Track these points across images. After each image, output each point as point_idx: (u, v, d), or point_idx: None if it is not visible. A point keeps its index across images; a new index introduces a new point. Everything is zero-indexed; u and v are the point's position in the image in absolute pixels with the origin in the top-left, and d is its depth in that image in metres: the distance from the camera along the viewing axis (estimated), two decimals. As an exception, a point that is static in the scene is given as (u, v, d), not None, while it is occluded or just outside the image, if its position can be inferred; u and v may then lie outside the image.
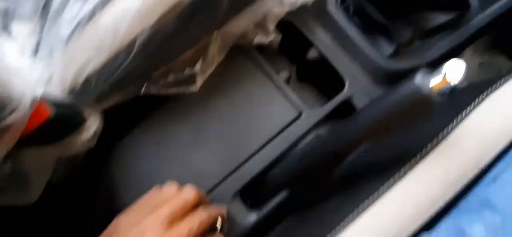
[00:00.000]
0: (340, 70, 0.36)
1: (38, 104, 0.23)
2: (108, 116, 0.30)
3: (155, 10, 0.25)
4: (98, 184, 0.34)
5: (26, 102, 0.21)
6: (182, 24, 0.27)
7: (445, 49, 0.36)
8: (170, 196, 0.26)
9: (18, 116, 0.21)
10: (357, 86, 0.36)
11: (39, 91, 0.23)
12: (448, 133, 0.21)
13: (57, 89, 0.26)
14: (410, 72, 0.19)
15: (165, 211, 0.25)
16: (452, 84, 0.16)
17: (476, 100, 0.21)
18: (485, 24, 0.35)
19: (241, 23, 0.32)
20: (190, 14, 0.26)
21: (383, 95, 0.20)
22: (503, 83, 0.21)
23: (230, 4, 0.28)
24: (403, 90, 0.18)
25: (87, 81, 0.26)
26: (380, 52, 0.36)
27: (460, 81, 0.16)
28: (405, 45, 0.39)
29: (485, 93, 0.21)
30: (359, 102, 0.35)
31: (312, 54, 0.38)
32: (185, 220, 0.25)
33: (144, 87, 0.31)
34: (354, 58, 0.36)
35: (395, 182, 0.22)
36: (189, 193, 0.27)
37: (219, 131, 0.34)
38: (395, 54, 0.38)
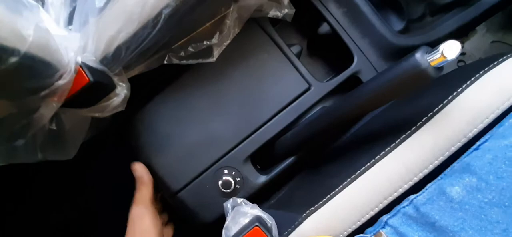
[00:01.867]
0: (350, 45, 0.37)
1: (79, 70, 0.26)
2: (134, 84, 0.33)
3: (179, -16, 0.26)
4: (125, 144, 0.38)
5: (71, 68, 0.24)
6: (202, -2, 0.28)
7: (455, 26, 0.37)
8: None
9: (65, 81, 0.24)
10: (365, 62, 0.37)
11: (79, 59, 0.26)
12: (443, 107, 0.24)
13: (91, 58, 0.28)
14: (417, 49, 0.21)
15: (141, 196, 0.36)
16: (447, 59, 0.18)
17: (472, 79, 0.23)
18: (497, 2, 0.35)
19: (257, -3, 0.33)
20: (210, -12, 0.28)
21: (387, 69, 0.22)
22: (497, 64, 0.23)
23: (247, -22, 0.30)
24: (405, 64, 0.20)
25: (118, 50, 0.29)
26: (390, 28, 0.37)
27: (454, 58, 0.18)
28: (416, 21, 0.39)
29: (479, 73, 0.23)
30: (366, 77, 0.37)
31: (323, 28, 0.39)
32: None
33: (166, 57, 0.33)
34: (364, 33, 0.38)
35: (391, 150, 0.25)
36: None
37: (234, 100, 0.37)
38: (405, 30, 0.39)
